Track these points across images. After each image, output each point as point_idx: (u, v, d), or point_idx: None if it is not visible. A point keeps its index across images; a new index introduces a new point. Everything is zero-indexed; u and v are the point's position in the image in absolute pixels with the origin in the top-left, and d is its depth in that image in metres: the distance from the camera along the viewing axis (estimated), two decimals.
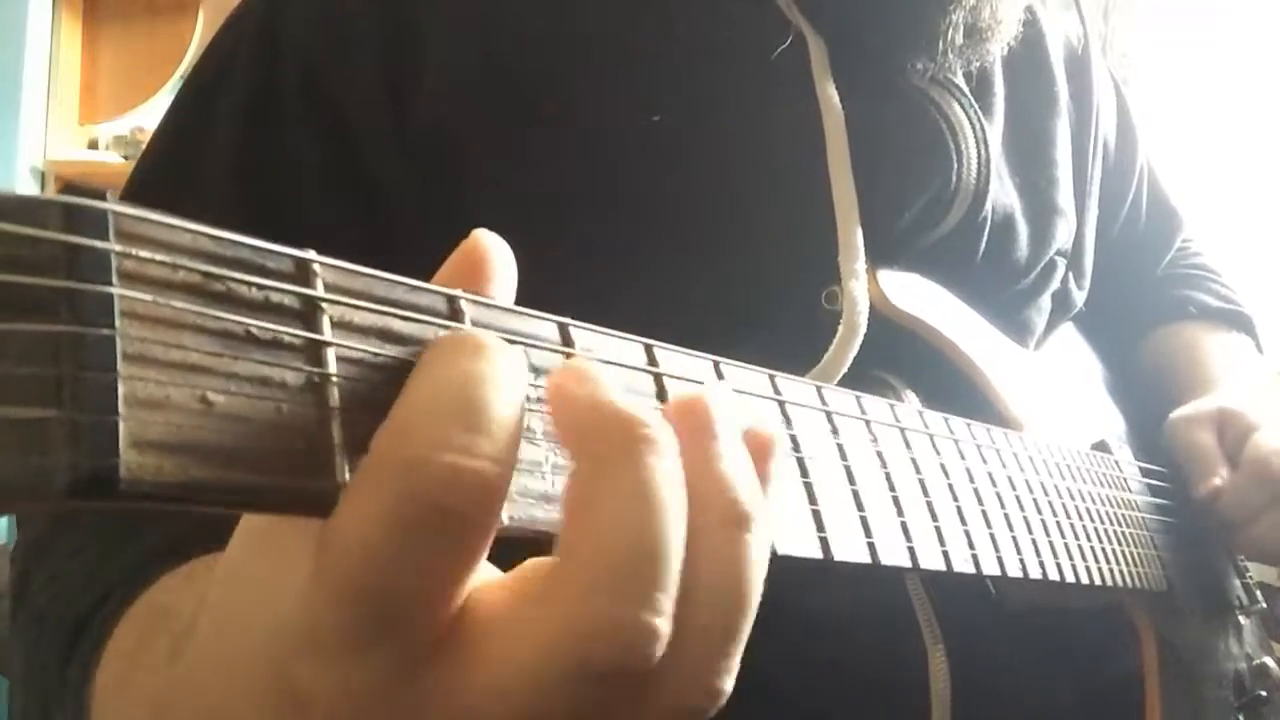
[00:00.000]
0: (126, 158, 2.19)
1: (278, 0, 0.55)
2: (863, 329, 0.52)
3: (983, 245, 0.60)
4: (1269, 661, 0.71)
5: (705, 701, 0.23)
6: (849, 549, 0.32)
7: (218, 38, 0.57)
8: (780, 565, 0.29)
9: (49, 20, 2.16)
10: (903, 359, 0.54)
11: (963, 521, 0.40)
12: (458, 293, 0.24)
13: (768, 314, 0.52)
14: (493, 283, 0.26)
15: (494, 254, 0.26)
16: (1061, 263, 0.67)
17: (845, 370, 0.51)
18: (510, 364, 0.22)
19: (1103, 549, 0.53)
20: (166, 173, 0.54)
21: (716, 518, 0.23)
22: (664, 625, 0.21)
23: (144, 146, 0.57)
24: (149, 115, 2.20)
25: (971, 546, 0.39)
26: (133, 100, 2.21)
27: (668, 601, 0.21)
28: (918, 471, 0.38)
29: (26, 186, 2.09)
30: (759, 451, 0.25)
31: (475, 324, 0.24)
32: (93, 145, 2.24)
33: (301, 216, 0.51)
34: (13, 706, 0.43)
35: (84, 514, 0.43)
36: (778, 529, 0.29)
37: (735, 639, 0.23)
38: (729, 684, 0.23)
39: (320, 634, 0.22)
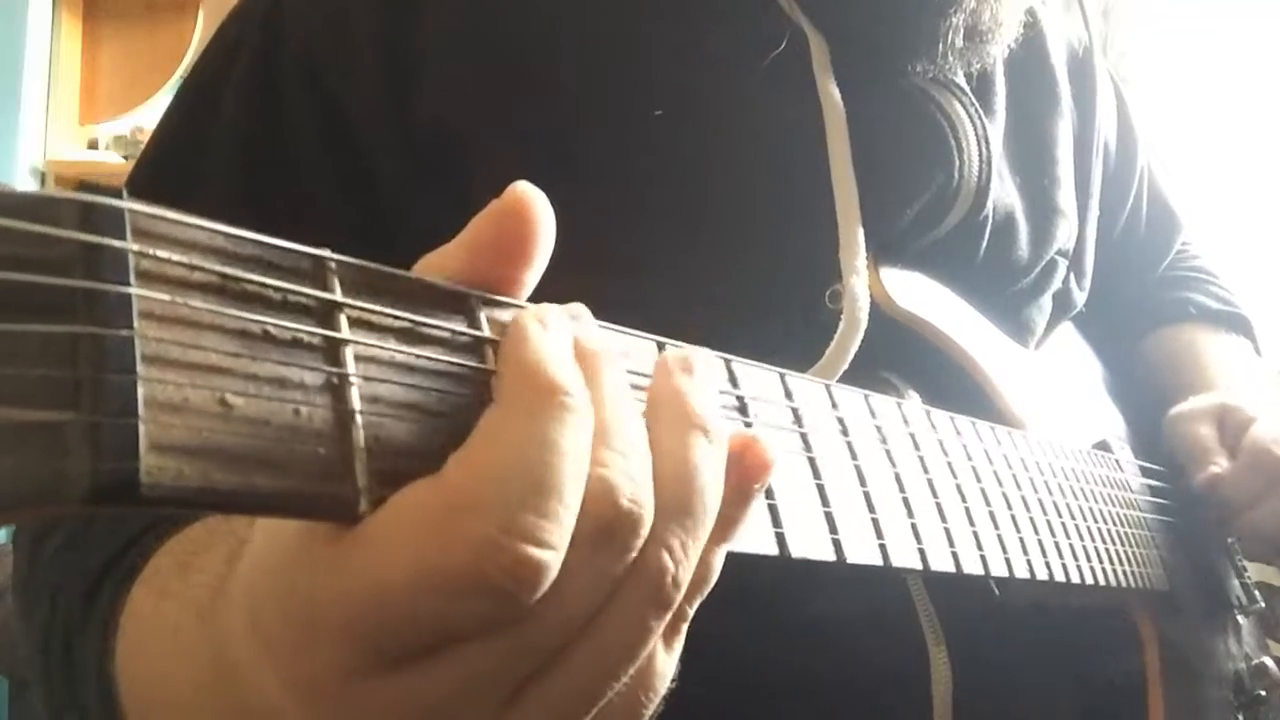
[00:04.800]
0: (126, 158, 2.19)
1: (277, 0, 0.55)
2: (863, 326, 0.52)
3: (984, 244, 0.60)
4: (1268, 661, 0.71)
5: (668, 569, 0.25)
6: (861, 551, 0.32)
7: (220, 33, 0.57)
8: (791, 566, 0.30)
9: (49, 20, 2.15)
10: (904, 357, 0.54)
11: (971, 522, 0.40)
12: (473, 291, 0.24)
13: (769, 311, 0.52)
14: (533, 257, 0.25)
15: (539, 221, 0.25)
16: (1062, 263, 0.67)
17: (845, 368, 0.51)
18: (586, 421, 0.23)
19: (1106, 549, 0.54)
20: (169, 169, 0.54)
21: (674, 421, 0.26)
22: (547, 557, 0.21)
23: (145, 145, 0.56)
24: (149, 115, 2.19)
25: (980, 548, 0.39)
26: (133, 100, 2.20)
27: (555, 532, 0.22)
28: (926, 472, 0.38)
29: (26, 187, 2.07)
30: (752, 462, 0.27)
31: (490, 322, 0.24)
32: (93, 145, 2.24)
33: (303, 212, 0.51)
34: (13, 707, 0.43)
35: None
36: (790, 532, 0.29)
37: (693, 526, 0.25)
38: (687, 568, 0.25)
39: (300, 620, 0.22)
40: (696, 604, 0.27)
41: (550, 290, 0.27)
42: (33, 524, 0.46)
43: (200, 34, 2.18)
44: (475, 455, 0.22)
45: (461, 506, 0.21)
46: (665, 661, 0.27)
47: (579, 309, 0.26)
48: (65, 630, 0.39)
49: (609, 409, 0.24)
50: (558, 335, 0.24)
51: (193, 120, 0.54)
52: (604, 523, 0.23)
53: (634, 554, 0.24)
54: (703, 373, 0.27)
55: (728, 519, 0.26)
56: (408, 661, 0.23)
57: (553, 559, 0.22)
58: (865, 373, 0.51)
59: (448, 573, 0.21)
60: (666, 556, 0.24)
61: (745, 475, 0.27)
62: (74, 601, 0.38)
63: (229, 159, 0.52)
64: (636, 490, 0.24)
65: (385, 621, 0.22)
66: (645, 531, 0.24)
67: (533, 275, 0.26)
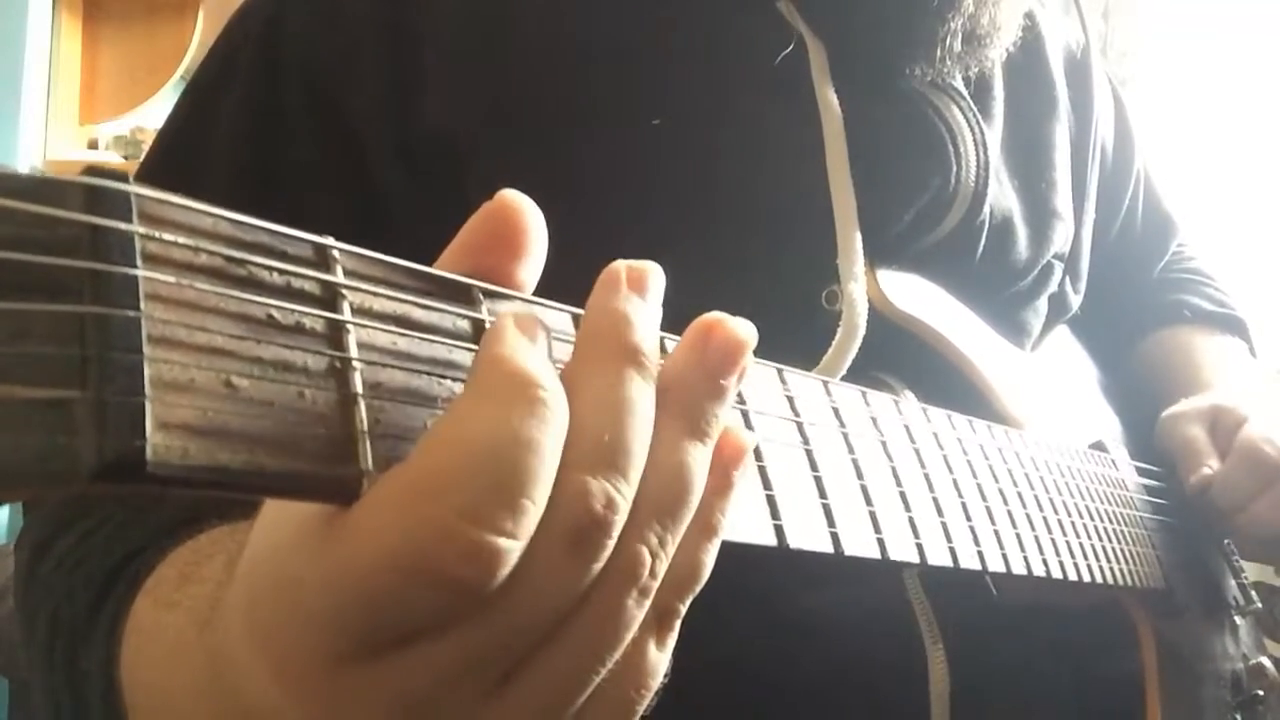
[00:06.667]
0: (126, 158, 2.18)
1: (279, 3, 0.55)
2: (862, 329, 0.52)
3: (981, 247, 0.60)
4: (1265, 661, 0.71)
5: (645, 561, 0.25)
6: (859, 544, 0.32)
7: (220, 40, 0.57)
8: (789, 563, 0.30)
9: (49, 20, 2.15)
10: (902, 359, 0.54)
11: (968, 518, 0.40)
12: (475, 282, 0.24)
13: (767, 314, 0.52)
14: (525, 251, 0.25)
15: (527, 219, 0.25)
16: (1059, 266, 0.68)
17: (845, 370, 0.52)
18: (559, 420, 0.23)
19: (1103, 547, 0.54)
20: (168, 175, 0.54)
21: (681, 424, 0.25)
22: (503, 544, 0.21)
23: (144, 147, 0.57)
24: (149, 115, 2.19)
25: (977, 543, 0.39)
26: (133, 100, 2.20)
27: (511, 520, 0.22)
28: (923, 467, 0.39)
29: None
30: (729, 451, 0.27)
31: (491, 313, 0.24)
32: (93, 145, 2.24)
33: (302, 219, 0.51)
34: (13, 707, 0.43)
35: (93, 506, 0.43)
36: (788, 523, 0.29)
37: (675, 522, 0.25)
38: (664, 559, 0.25)
39: (301, 611, 0.22)
40: (688, 601, 0.27)
41: (551, 297, 0.27)
42: (33, 530, 0.46)
43: (200, 34, 2.18)
44: (437, 441, 0.22)
45: (423, 492, 0.21)
46: (657, 658, 0.27)
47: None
48: (69, 642, 0.39)
49: (600, 411, 0.24)
50: (536, 334, 0.24)
51: (192, 129, 0.55)
52: (577, 526, 0.23)
53: (609, 550, 0.24)
54: (725, 380, 0.27)
55: (709, 508, 0.26)
56: (387, 648, 0.23)
57: (510, 546, 0.22)
58: (862, 374, 0.51)
59: (407, 558, 0.21)
60: (644, 550, 0.25)
61: (724, 465, 0.27)
62: (79, 613, 0.39)
63: (228, 167, 0.52)
64: (614, 496, 0.24)
65: (361, 607, 0.22)
66: (617, 533, 0.24)
67: (529, 272, 0.26)
